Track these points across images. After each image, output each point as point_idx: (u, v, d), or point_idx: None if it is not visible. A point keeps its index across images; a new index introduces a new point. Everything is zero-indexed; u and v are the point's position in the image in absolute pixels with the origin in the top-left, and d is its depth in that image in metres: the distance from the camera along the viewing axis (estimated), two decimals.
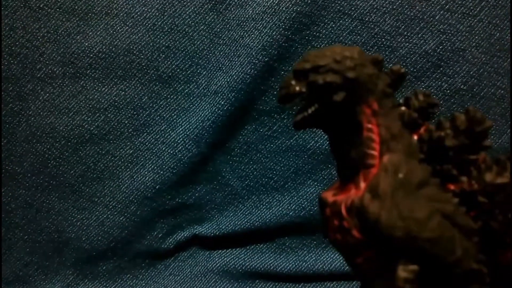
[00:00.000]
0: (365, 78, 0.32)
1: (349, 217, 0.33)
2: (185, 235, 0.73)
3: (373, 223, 0.31)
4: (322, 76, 0.32)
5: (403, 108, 0.35)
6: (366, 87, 0.33)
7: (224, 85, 0.69)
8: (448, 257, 0.31)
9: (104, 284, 0.72)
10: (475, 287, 0.32)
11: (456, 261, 0.31)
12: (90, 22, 0.69)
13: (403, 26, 0.67)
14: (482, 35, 0.67)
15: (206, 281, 0.71)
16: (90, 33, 0.69)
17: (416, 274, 0.31)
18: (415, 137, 0.34)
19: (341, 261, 0.73)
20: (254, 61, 0.68)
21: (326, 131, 0.35)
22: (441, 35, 0.67)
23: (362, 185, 0.33)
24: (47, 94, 0.70)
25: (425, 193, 0.32)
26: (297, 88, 0.33)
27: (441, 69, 0.67)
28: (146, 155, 0.71)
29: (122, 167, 0.71)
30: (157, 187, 0.71)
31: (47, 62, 0.69)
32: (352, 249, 0.33)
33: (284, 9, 0.67)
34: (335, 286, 0.71)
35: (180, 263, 0.73)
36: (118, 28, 0.70)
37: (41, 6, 0.69)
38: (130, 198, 0.71)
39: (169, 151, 0.71)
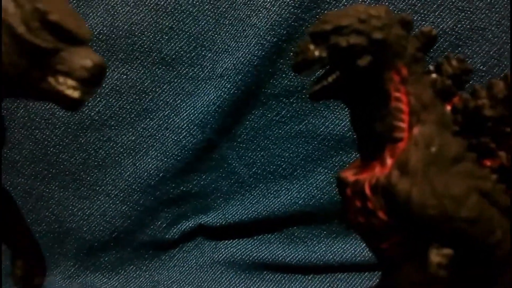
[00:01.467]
0: (394, 40, 0.30)
1: (374, 197, 0.30)
2: (190, 224, 0.72)
3: (402, 202, 0.28)
4: (345, 38, 0.29)
5: (434, 75, 0.32)
6: (394, 50, 0.30)
7: (230, 68, 0.67)
8: (487, 239, 0.28)
9: (107, 275, 0.71)
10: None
11: (496, 243, 0.28)
12: (90, 3, 0.67)
13: (419, 4, 0.65)
14: (502, 13, 0.64)
15: (212, 272, 0.70)
16: (90, 14, 0.67)
17: (450, 259, 0.28)
18: (449, 107, 0.32)
19: (352, 252, 0.71)
20: (261, 41, 0.66)
21: (347, 103, 0.33)
22: (459, 13, 0.64)
23: (389, 161, 0.30)
24: None
25: (461, 169, 0.29)
26: (316, 53, 0.30)
27: (460, 49, 0.65)
28: (149, 142, 0.69)
29: (124, 154, 0.69)
30: (160, 175, 0.69)
31: None
32: (377, 233, 0.31)
33: None
34: (345, 277, 0.69)
35: (185, 254, 0.72)
36: (119, 8, 0.67)
37: None
38: (133, 187, 0.69)
39: (173, 137, 0.69)
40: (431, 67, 0.32)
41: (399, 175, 0.29)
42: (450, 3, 0.64)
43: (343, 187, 0.33)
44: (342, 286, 0.67)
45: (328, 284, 0.67)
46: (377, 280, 0.66)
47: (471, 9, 0.64)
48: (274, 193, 0.72)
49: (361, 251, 0.71)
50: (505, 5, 0.64)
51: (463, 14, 0.64)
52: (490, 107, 0.30)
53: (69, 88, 0.27)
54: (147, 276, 0.69)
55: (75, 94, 0.27)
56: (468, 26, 0.64)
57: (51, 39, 0.27)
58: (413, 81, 0.30)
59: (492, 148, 0.30)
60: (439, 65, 0.32)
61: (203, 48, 0.68)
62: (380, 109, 0.30)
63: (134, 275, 0.70)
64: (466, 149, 0.30)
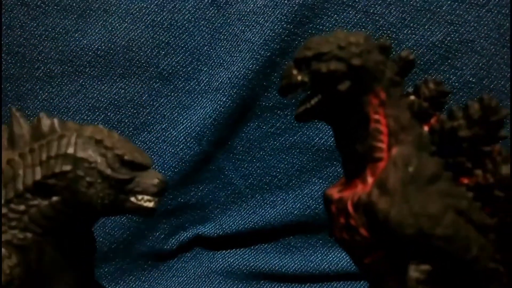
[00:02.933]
0: (372, 65, 0.31)
1: (356, 214, 0.31)
2: (188, 235, 0.73)
3: (382, 221, 0.29)
4: (326, 64, 0.30)
5: (412, 97, 0.33)
6: (372, 75, 0.31)
7: (225, 82, 0.68)
8: (463, 256, 0.29)
9: (107, 286, 0.71)
10: (492, 287, 0.31)
11: (472, 260, 0.29)
12: (88, 20, 0.69)
13: (409, 18, 0.66)
14: (491, 25, 0.65)
15: (209, 282, 0.70)
16: (89, 31, 0.68)
17: (428, 275, 0.29)
18: (426, 128, 0.33)
19: (348, 260, 0.72)
20: (256, 56, 0.67)
21: (330, 124, 0.34)
22: (448, 26, 0.65)
23: (370, 180, 0.31)
24: (46, 94, 0.69)
25: (438, 187, 0.30)
26: (299, 78, 0.31)
27: (449, 61, 0.66)
28: None
29: None
30: None
31: (45, 61, 0.69)
32: (360, 248, 0.32)
33: (286, 1, 0.66)
34: (341, 286, 0.70)
35: (183, 264, 0.73)
36: (117, 25, 0.69)
37: (38, 4, 0.68)
38: None
39: (170, 149, 0.70)
40: (410, 90, 0.33)
41: (379, 194, 0.30)
42: (439, 17, 0.65)
43: (329, 204, 0.34)
44: None
45: None
46: None
47: (460, 22, 0.65)
48: (270, 203, 0.73)
49: None
50: (493, 18, 0.65)
51: (452, 27, 0.65)
52: (465, 128, 0.31)
53: (146, 201, 0.38)
54: (146, 286, 0.70)
55: (151, 204, 0.38)
56: (457, 39, 0.65)
57: (128, 172, 0.37)
58: (391, 104, 0.31)
59: (468, 167, 0.31)
60: (417, 88, 0.33)
61: (199, 63, 0.69)
62: (360, 131, 0.32)
63: (133, 286, 0.71)
64: (443, 168, 0.31)
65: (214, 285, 0.70)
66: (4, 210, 0.36)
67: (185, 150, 0.70)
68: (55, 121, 0.39)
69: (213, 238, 0.72)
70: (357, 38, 0.31)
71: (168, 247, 0.71)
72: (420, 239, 0.29)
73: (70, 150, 0.36)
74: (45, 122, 0.38)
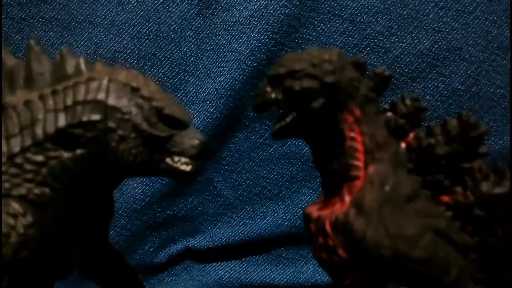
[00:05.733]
0: (346, 82, 0.30)
1: (334, 234, 0.30)
2: (178, 248, 0.72)
3: (358, 241, 0.29)
4: (299, 82, 0.30)
5: (389, 114, 0.32)
6: (347, 92, 0.30)
7: (212, 92, 0.68)
8: (443, 279, 0.29)
9: None
10: None
11: (452, 282, 0.29)
12: (73, 32, 0.68)
13: (396, 26, 0.65)
14: (479, 33, 0.64)
15: None
16: (74, 43, 0.68)
17: None
18: (403, 145, 0.32)
19: None
20: (242, 66, 0.67)
21: (307, 141, 0.33)
22: (436, 34, 0.65)
23: (347, 199, 0.31)
24: None
25: (415, 207, 0.30)
26: (273, 96, 0.31)
27: (437, 69, 0.65)
28: None
29: None
30: (147, 199, 0.69)
31: None
32: (339, 269, 0.31)
33: (271, 11, 0.66)
34: None
35: (174, 278, 0.72)
36: (102, 36, 0.68)
37: (23, 16, 0.68)
38: (120, 212, 0.69)
39: None
40: (387, 107, 0.33)
41: (356, 214, 0.29)
42: (426, 24, 0.65)
43: (308, 223, 0.34)
44: None
45: None
46: None
47: (448, 30, 0.65)
48: (261, 214, 0.72)
49: None
50: (481, 25, 0.65)
51: (439, 34, 0.65)
52: (444, 144, 0.30)
53: (183, 164, 0.33)
54: None
55: (188, 168, 0.33)
56: (445, 47, 0.65)
57: (166, 129, 0.32)
58: (367, 121, 0.30)
59: (447, 185, 0.30)
60: (394, 104, 0.32)
61: (186, 74, 0.69)
62: (336, 148, 0.31)
63: None
64: (421, 186, 0.30)
65: None
66: (19, 160, 0.30)
67: None
68: (82, 60, 0.33)
69: (204, 250, 0.71)
70: (331, 55, 0.30)
71: (158, 260, 0.71)
72: (397, 261, 0.28)
73: (101, 96, 0.31)
74: (70, 61, 0.33)
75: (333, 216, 0.31)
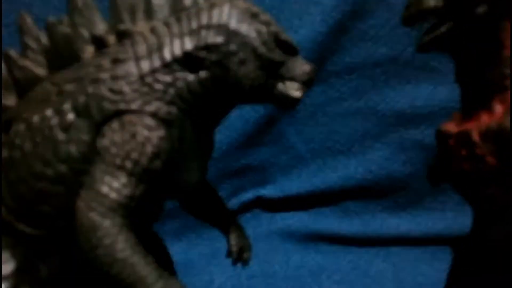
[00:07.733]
0: None
1: (483, 143, 0.30)
2: (249, 196, 0.74)
3: None
4: None
5: None
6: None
7: None
8: None
9: (170, 242, 0.73)
10: None
11: None
12: None
13: None
14: None
15: (268, 243, 0.71)
16: None
17: None
18: None
19: (407, 226, 0.72)
20: (326, 18, 0.66)
21: (453, 54, 0.32)
22: None
23: (499, 109, 0.30)
24: None
25: None
26: (432, 3, 0.30)
27: None
28: None
29: None
30: (223, 148, 0.71)
31: None
32: (484, 177, 0.31)
33: None
34: (400, 251, 0.69)
35: (244, 224, 0.74)
36: None
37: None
38: None
39: (235, 111, 0.70)
40: None
41: None
42: None
43: (445, 139, 0.33)
44: (396, 259, 0.67)
45: (382, 257, 0.68)
46: (429, 254, 0.66)
47: None
48: (331, 168, 0.73)
49: (416, 226, 0.71)
50: None
51: None
52: None
53: (294, 90, 0.33)
54: (207, 243, 0.71)
55: (298, 94, 0.33)
56: None
57: (281, 54, 0.33)
58: None
59: None
60: None
61: None
62: (491, 58, 0.30)
63: (195, 242, 0.72)
64: None
65: (272, 245, 0.71)
66: (149, 79, 0.32)
67: (251, 113, 0.71)
68: None
69: (273, 200, 0.73)
70: None
71: (230, 207, 0.73)
72: None
73: (224, 21, 0.32)
74: None
75: (483, 126, 0.31)
